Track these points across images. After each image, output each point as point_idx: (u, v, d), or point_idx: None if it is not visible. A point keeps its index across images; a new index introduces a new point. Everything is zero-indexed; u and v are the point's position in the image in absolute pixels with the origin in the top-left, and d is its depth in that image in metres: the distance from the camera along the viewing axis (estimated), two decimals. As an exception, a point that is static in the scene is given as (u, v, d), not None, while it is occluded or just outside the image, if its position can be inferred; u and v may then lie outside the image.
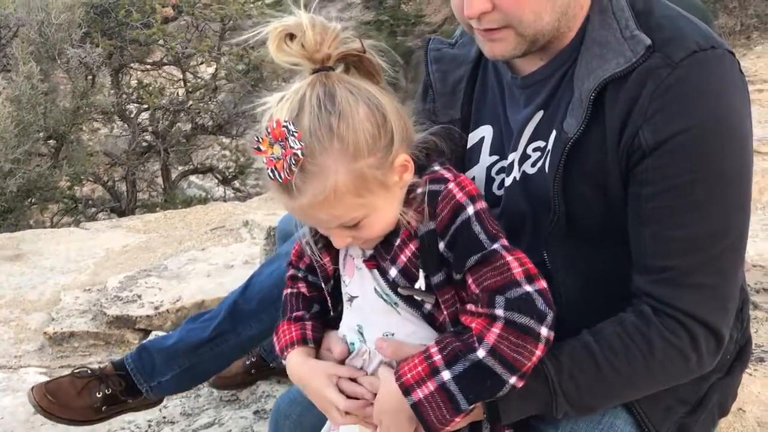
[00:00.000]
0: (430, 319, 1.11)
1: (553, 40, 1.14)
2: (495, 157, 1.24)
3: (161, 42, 8.75)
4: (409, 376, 1.06)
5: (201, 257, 3.73)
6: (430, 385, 1.04)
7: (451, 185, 1.07)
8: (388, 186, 1.06)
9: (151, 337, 2.86)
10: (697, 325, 1.07)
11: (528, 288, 1.04)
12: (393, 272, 1.10)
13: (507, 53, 1.14)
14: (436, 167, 1.11)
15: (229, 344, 1.99)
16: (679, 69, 1.05)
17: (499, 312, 1.03)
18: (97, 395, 1.97)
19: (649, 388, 1.12)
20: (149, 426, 2.38)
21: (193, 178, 10.24)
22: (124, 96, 8.52)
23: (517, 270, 1.04)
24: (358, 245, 1.14)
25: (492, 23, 1.10)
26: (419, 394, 1.05)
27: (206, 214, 5.71)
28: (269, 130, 0.99)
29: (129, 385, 2.01)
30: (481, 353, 1.02)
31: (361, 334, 1.17)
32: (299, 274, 1.32)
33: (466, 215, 1.06)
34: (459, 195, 1.06)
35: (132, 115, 8.60)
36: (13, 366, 2.94)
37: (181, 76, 9.11)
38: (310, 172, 0.99)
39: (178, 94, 8.93)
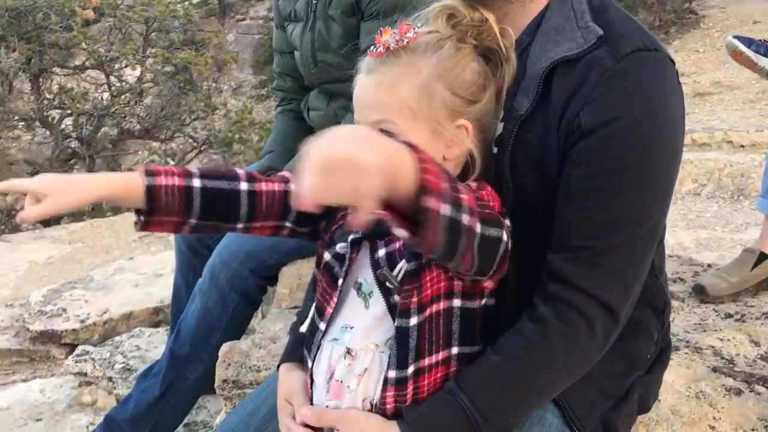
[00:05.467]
0: (393, 311, 1.10)
1: (514, 14, 1.20)
2: None
3: (83, 45, 8.51)
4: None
5: (129, 267, 3.64)
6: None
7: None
8: (438, 130, 1.10)
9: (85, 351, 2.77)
10: (594, 305, 1.09)
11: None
12: (381, 252, 1.13)
13: None
14: (471, 181, 1.13)
15: (183, 391, 2.06)
16: (624, 62, 1.11)
17: None
18: None
19: (561, 383, 1.14)
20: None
21: (121, 183, 9.98)
22: (46, 102, 8.24)
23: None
24: None
25: None
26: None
27: (135, 221, 5.57)
28: (399, 28, 1.10)
29: None
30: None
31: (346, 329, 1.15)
32: None
33: None
34: None
35: (54, 122, 8.33)
36: (-68, 389, 2.82)
37: (105, 80, 8.88)
38: (401, 59, 1.09)
39: (102, 98, 8.68)
